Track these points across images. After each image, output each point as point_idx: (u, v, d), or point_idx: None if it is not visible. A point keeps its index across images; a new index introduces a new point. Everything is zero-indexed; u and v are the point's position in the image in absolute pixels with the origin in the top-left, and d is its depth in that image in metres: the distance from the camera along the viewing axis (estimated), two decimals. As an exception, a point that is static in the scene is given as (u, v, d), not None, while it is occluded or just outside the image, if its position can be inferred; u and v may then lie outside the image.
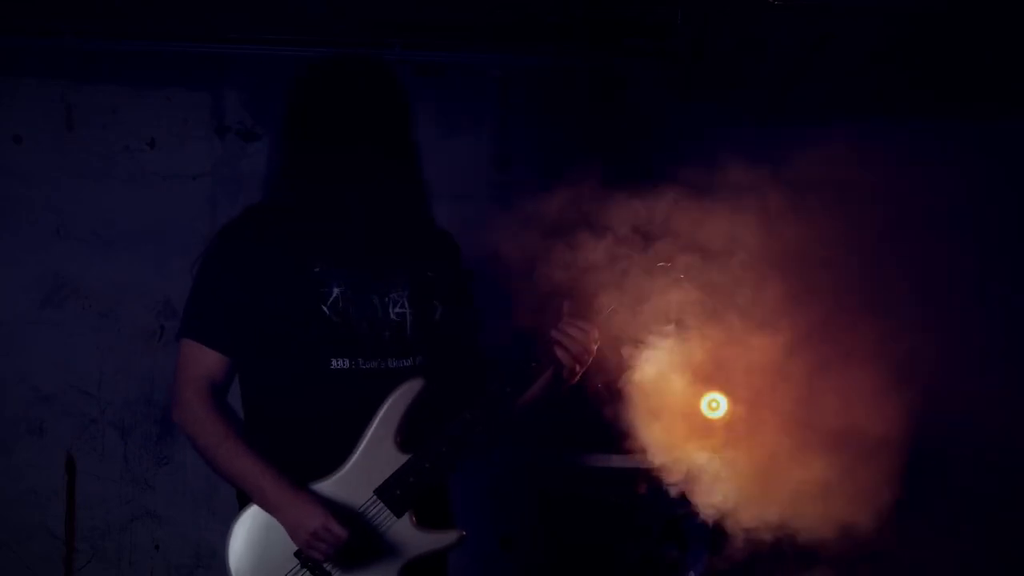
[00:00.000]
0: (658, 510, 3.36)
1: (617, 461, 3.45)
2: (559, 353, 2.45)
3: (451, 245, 2.65)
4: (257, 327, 2.40)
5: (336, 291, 2.39)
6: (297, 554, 2.34)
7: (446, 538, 2.44)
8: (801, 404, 2.54)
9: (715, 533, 3.18)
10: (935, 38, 3.26)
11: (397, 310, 2.45)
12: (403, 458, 2.40)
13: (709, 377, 2.71)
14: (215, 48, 3.85)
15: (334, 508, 2.33)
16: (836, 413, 2.52)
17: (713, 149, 2.66)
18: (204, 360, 2.40)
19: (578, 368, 2.48)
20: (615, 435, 2.70)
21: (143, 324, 3.95)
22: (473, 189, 3.90)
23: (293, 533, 2.32)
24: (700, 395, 2.87)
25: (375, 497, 2.38)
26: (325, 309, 2.38)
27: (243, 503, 2.41)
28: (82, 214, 3.94)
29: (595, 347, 2.48)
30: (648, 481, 3.00)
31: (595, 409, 2.75)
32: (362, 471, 2.39)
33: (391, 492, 2.38)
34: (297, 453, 2.39)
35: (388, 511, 2.38)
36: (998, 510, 3.13)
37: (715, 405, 3.05)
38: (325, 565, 2.34)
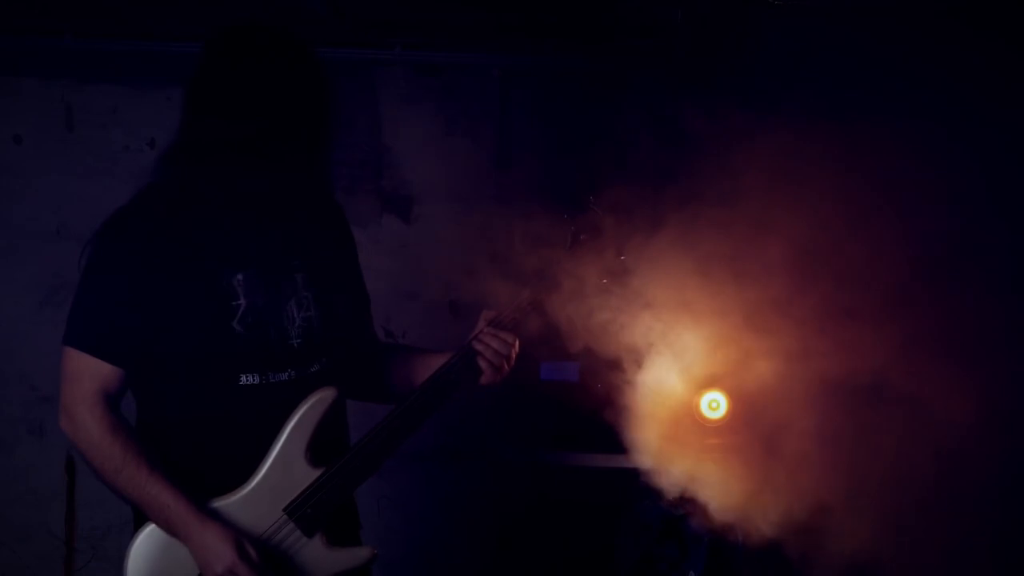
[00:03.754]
0: (658, 510, 3.35)
1: (617, 461, 3.45)
2: (481, 364, 2.36)
3: (342, 220, 2.48)
4: (156, 338, 2.17)
5: (245, 303, 2.20)
6: None
7: (358, 556, 2.31)
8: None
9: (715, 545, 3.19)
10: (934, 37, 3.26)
11: (303, 313, 2.30)
12: (315, 474, 2.24)
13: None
14: (215, 48, 3.84)
15: (239, 530, 2.17)
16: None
17: (713, 148, 2.66)
18: (96, 372, 2.15)
19: (498, 379, 2.39)
20: (614, 435, 2.70)
21: (143, 324, 3.94)
22: (473, 189, 3.90)
23: (204, 564, 2.15)
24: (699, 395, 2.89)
25: (285, 517, 2.22)
26: (235, 325, 2.20)
27: (140, 518, 2.24)
28: (82, 214, 3.91)
29: (515, 356, 2.40)
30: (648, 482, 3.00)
31: (594, 409, 2.75)
32: (270, 489, 2.22)
33: (302, 511, 2.22)
34: (198, 469, 2.21)
35: (299, 531, 2.22)
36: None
37: (715, 405, 3.05)
38: None
